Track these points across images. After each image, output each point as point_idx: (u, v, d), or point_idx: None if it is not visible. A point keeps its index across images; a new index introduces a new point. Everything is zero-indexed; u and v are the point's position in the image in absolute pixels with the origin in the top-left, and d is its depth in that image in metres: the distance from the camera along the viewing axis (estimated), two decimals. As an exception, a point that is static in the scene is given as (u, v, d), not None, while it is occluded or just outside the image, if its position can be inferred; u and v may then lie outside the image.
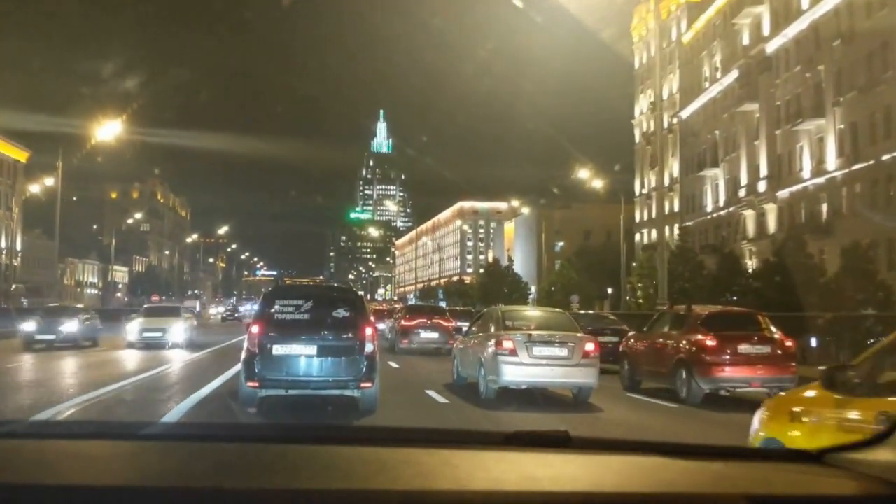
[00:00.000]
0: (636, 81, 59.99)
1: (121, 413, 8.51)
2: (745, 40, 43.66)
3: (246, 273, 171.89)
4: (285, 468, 1.42)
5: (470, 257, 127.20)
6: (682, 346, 10.97)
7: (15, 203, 63.57)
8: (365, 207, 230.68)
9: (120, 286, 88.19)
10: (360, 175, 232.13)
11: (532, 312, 12.65)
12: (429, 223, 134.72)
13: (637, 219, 58.11)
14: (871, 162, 32.09)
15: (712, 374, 10.45)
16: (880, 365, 2.99)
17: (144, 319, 20.58)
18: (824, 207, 35.70)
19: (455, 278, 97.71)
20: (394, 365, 15.26)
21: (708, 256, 37.98)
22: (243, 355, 8.19)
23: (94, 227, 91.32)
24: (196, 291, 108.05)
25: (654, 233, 56.54)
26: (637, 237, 57.46)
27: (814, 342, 17.07)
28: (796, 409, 3.30)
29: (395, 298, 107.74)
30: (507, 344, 9.72)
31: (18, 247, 65.72)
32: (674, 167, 53.16)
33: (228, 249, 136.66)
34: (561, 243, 67.38)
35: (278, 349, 7.98)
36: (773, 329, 11.24)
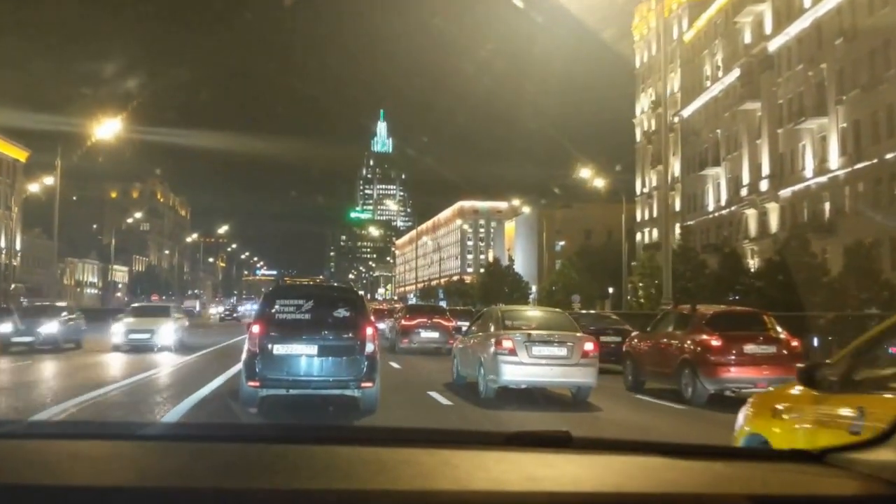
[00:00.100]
0: (637, 80, 59.83)
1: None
2: (747, 39, 43.49)
3: (246, 273, 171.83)
4: (286, 468, 1.42)
5: (470, 257, 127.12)
6: (686, 346, 10.88)
7: (14, 202, 63.44)
8: (365, 207, 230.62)
9: (120, 286, 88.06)
10: (360, 174, 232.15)
11: (531, 312, 12.63)
12: (429, 223, 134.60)
13: (638, 218, 57.97)
14: (874, 161, 31.93)
15: (717, 374, 10.33)
16: (857, 363, 3.05)
17: (131, 320, 19.13)
18: (827, 206, 35.54)
19: (455, 278, 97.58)
20: (395, 365, 15.15)
21: (709, 256, 37.84)
22: (244, 355, 8.17)
23: (94, 226, 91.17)
24: (196, 291, 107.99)
25: (655, 232, 56.42)
26: (638, 237, 57.32)
27: (816, 342, 16.95)
28: (778, 405, 3.38)
29: (396, 298, 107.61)
30: (507, 343, 9.75)
31: (18, 246, 65.59)
32: (675, 166, 52.98)
33: (228, 249, 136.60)
34: (562, 243, 67.24)
35: (279, 349, 7.97)
36: (779, 329, 11.13)
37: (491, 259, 74.31)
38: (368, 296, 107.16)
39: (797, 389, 3.27)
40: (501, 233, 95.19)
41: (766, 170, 41.24)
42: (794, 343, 11.00)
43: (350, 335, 8.13)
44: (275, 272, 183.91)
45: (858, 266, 24.01)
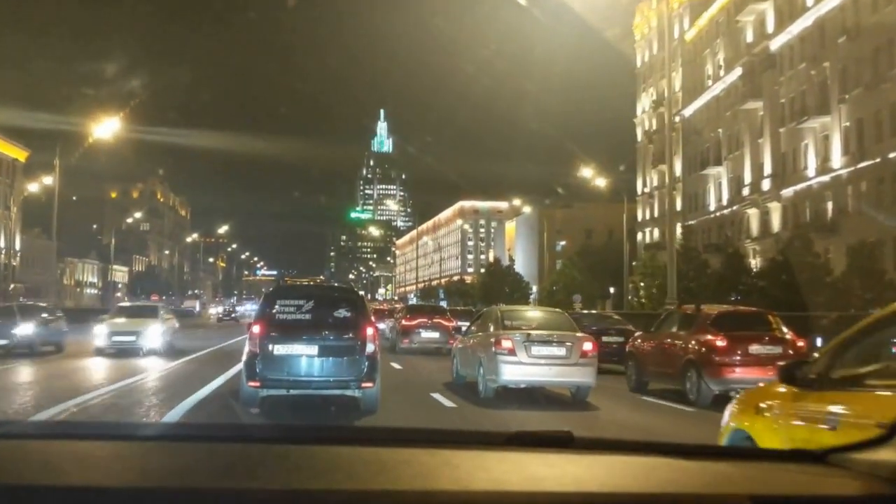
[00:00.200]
0: (638, 79, 59.67)
1: None
2: (749, 37, 43.31)
3: (246, 273, 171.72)
4: (286, 468, 1.41)
5: (471, 257, 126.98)
6: (691, 346, 10.78)
7: (13, 202, 63.31)
8: (365, 207, 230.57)
9: (120, 286, 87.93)
10: (360, 174, 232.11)
11: (531, 312, 12.62)
12: (429, 223, 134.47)
13: (639, 218, 57.80)
14: (878, 160, 31.77)
15: (722, 375, 10.20)
16: (834, 361, 3.16)
17: (114, 321, 17.66)
18: (829, 206, 35.36)
19: (456, 278, 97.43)
20: (396, 366, 15.00)
21: (711, 256, 37.69)
22: (245, 355, 8.18)
23: (94, 226, 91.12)
24: (196, 291, 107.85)
25: (656, 232, 56.27)
26: (639, 236, 57.15)
27: (819, 342, 16.81)
28: (761, 403, 3.50)
29: (396, 298, 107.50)
30: (506, 343, 9.78)
31: (17, 246, 65.47)
32: (676, 166, 52.75)
33: (229, 249, 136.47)
34: (562, 242, 67.08)
35: (279, 349, 7.99)
36: (785, 329, 10.99)
37: (491, 259, 74.17)
38: (369, 296, 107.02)
39: (778, 387, 3.38)
40: (502, 233, 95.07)
41: (767, 169, 41.06)
42: (800, 343, 10.86)
43: (350, 335, 8.13)
44: (275, 272, 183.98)
45: (862, 266, 23.84)
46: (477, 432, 2.09)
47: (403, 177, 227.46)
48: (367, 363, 8.03)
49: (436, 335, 19.64)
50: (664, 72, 54.80)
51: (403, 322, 20.36)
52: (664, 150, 54.85)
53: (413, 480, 1.37)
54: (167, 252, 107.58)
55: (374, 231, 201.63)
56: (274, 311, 8.27)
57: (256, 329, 8.11)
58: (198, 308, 72.27)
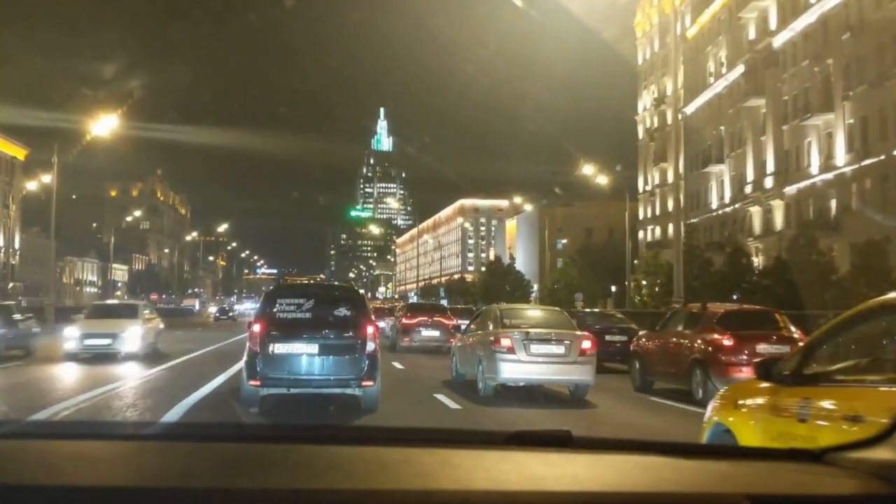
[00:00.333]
0: (639, 77, 59.43)
1: None
2: (752, 34, 43.06)
3: (246, 271, 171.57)
4: (286, 468, 1.41)
5: (471, 255, 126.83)
6: (697, 345, 10.70)
7: (13, 200, 63.16)
8: (365, 205, 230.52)
9: (119, 284, 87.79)
10: (360, 173, 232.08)
11: (530, 311, 12.66)
12: (430, 221, 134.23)
13: (641, 216, 57.58)
14: (882, 157, 31.55)
15: (729, 374, 10.01)
16: (807, 358, 3.34)
17: (88, 322, 15.80)
18: (833, 204, 35.12)
19: (456, 276, 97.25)
20: (398, 365, 14.81)
21: (714, 254, 37.49)
22: (245, 354, 8.22)
23: (94, 225, 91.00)
24: (197, 290, 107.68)
25: (658, 230, 56.05)
26: (640, 234, 56.93)
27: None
28: (739, 398, 3.71)
29: (397, 297, 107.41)
30: (505, 342, 9.86)
31: (17, 245, 65.31)
32: (678, 163, 52.54)
33: (229, 247, 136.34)
34: (563, 241, 66.86)
35: (280, 348, 8.01)
36: (792, 328, 10.81)
37: (492, 257, 73.99)
38: (369, 294, 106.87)
39: (758, 384, 3.55)
40: (502, 231, 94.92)
41: (770, 167, 40.83)
42: (802, 343, 10.64)
43: (351, 334, 8.15)
44: (275, 271, 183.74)
45: (868, 264, 23.63)
46: (476, 432, 2.06)
47: (404, 175, 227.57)
48: (367, 362, 8.04)
49: (436, 333, 19.60)
50: (666, 69, 54.68)
51: (404, 320, 20.32)
52: (665, 148, 54.73)
53: (413, 480, 1.37)
54: (167, 251, 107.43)
55: (375, 229, 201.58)
56: (274, 309, 8.28)
57: (257, 328, 8.12)
58: (197, 307, 72.07)
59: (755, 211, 42.71)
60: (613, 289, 49.13)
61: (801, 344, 10.29)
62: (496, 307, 12.26)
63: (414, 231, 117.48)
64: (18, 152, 62.81)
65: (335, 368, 8.04)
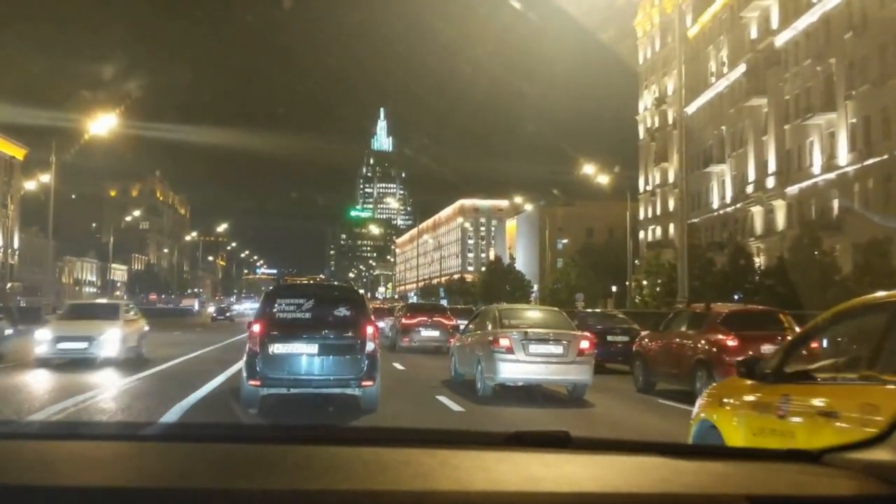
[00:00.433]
0: (640, 77, 59.24)
1: None
2: (753, 34, 42.88)
3: (246, 271, 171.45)
4: (286, 469, 1.42)
5: (471, 255, 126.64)
6: (700, 346, 10.59)
7: (11, 200, 62.99)
8: (365, 205, 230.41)
9: (119, 284, 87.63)
10: (360, 173, 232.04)
11: (528, 311, 12.67)
12: (429, 221, 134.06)
13: (641, 216, 57.40)
14: (885, 157, 31.36)
15: (734, 375, 9.82)
16: (787, 357, 3.53)
17: (62, 324, 14.38)
18: (835, 204, 34.93)
19: (456, 276, 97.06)
20: (398, 366, 14.64)
21: (715, 254, 37.31)
22: (245, 354, 8.24)
23: (93, 224, 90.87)
24: (196, 290, 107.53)
25: (658, 230, 55.87)
26: (641, 234, 56.75)
27: (826, 342, 16.44)
28: (723, 395, 3.88)
29: (396, 297, 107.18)
30: (504, 342, 9.91)
31: (16, 245, 65.15)
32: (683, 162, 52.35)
33: (228, 247, 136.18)
34: (564, 241, 66.69)
35: (280, 348, 8.04)
36: (797, 329, 10.62)
37: (492, 258, 73.82)
38: (369, 294, 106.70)
39: (741, 382, 3.70)
40: (502, 231, 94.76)
41: (772, 166, 40.64)
42: (815, 344, 10.46)
43: (351, 334, 8.18)
44: (275, 271, 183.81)
45: (871, 264, 23.44)
46: (475, 432, 2.08)
47: (403, 175, 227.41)
48: (367, 362, 8.06)
49: (436, 333, 19.54)
50: (667, 69, 54.54)
51: (403, 320, 20.28)
52: (666, 148, 54.57)
53: (412, 481, 1.37)
54: (166, 251, 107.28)
55: (374, 229, 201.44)
56: (274, 310, 8.30)
57: (257, 328, 8.13)
58: (196, 307, 71.85)
59: (756, 211, 42.52)
60: (614, 289, 48.96)
61: (814, 345, 10.31)
62: (495, 307, 12.28)
63: (414, 231, 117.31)
64: (17, 152, 62.67)
65: (335, 368, 8.06)
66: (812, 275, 22.25)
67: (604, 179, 38.57)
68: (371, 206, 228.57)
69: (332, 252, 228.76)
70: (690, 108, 50.44)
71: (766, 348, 10.20)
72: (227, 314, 48.67)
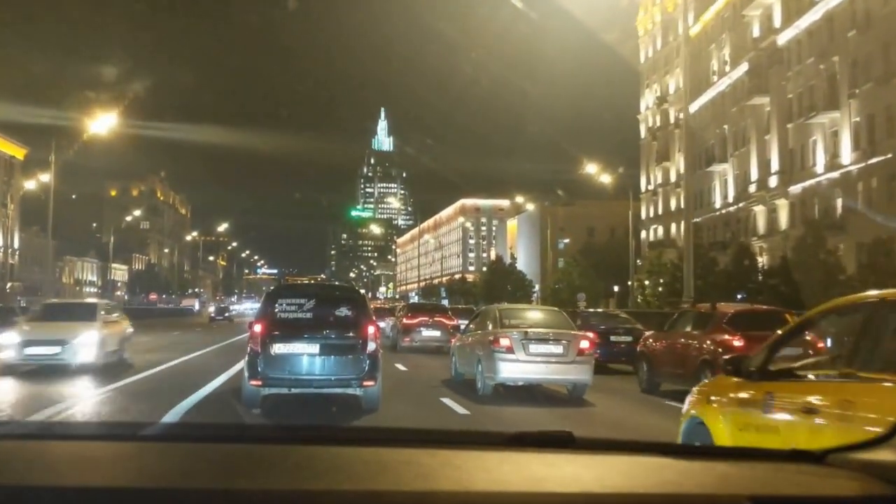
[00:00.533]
0: (642, 76, 59.06)
1: None
2: (756, 32, 42.71)
3: (246, 271, 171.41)
4: (287, 469, 1.42)
5: (472, 255, 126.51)
6: (706, 346, 10.50)
7: (11, 200, 62.92)
8: (366, 205, 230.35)
9: (119, 284, 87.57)
10: (361, 173, 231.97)
11: (528, 311, 12.69)
12: (430, 221, 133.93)
13: (643, 215, 57.24)
14: (889, 155, 31.20)
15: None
16: (771, 355, 3.63)
17: (32, 326, 12.86)
18: (839, 203, 34.74)
19: (457, 276, 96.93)
20: (400, 367, 14.45)
21: (718, 253, 37.14)
22: (246, 354, 8.27)
23: (94, 224, 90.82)
24: (197, 290, 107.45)
25: (660, 230, 55.70)
26: (643, 234, 56.58)
27: (829, 342, 16.31)
28: (711, 392, 4.04)
29: (398, 297, 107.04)
30: (504, 341, 9.95)
31: (16, 245, 65.08)
32: (680, 163, 52.20)
33: (229, 247, 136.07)
34: (565, 240, 66.51)
35: (281, 348, 8.06)
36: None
37: (493, 257, 73.68)
38: (370, 294, 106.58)
39: (728, 380, 3.84)
40: (504, 231, 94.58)
41: (775, 166, 40.47)
42: (821, 344, 10.32)
43: (352, 334, 8.20)
44: (275, 271, 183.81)
45: (876, 263, 23.27)
46: (477, 433, 2.05)
47: (404, 175, 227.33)
48: (368, 362, 8.08)
49: (437, 333, 19.48)
50: (668, 68, 54.38)
51: (404, 320, 20.24)
52: (668, 147, 54.40)
53: (414, 481, 1.36)
54: (167, 250, 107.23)
55: (375, 229, 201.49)
56: (275, 310, 8.32)
57: (258, 328, 8.16)
58: (197, 307, 71.76)
59: (759, 210, 42.35)
60: (616, 289, 48.79)
61: (820, 345, 10.20)
62: (495, 307, 12.28)
63: (415, 231, 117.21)
64: (17, 151, 62.63)
65: (336, 368, 8.07)
66: (816, 274, 22.10)
67: (605, 179, 38.42)
68: (372, 205, 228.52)
69: (332, 252, 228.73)
70: (692, 108, 50.23)
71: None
72: (226, 314, 47.41)
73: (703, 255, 34.44)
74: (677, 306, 18.30)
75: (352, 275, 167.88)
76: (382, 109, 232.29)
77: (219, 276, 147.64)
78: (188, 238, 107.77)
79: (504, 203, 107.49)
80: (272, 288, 10.21)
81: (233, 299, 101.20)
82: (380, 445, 1.63)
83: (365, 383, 8.04)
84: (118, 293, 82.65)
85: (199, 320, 49.90)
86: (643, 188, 58.15)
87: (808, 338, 10.32)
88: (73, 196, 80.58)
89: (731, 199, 45.93)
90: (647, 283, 39.19)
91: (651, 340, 12.18)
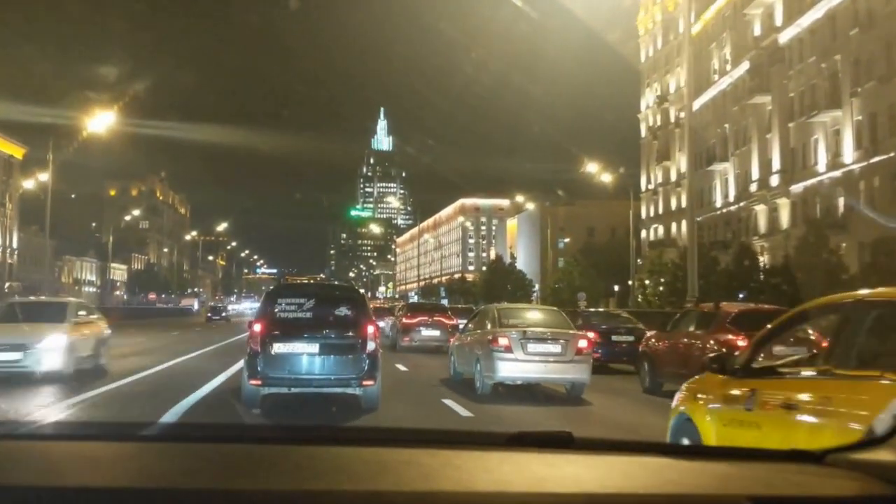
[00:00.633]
0: (642, 75, 58.92)
1: None
2: (757, 31, 42.56)
3: (246, 271, 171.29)
4: (287, 469, 1.42)
5: (472, 255, 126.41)
6: (710, 346, 10.29)
7: (10, 199, 62.75)
8: (366, 205, 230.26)
9: (119, 284, 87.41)
10: (360, 172, 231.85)
11: (527, 310, 12.74)
12: (430, 220, 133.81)
13: (643, 215, 57.09)
14: (891, 154, 31.05)
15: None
16: (755, 353, 3.80)
17: None
18: (841, 202, 34.59)
19: (457, 276, 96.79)
20: (400, 367, 14.29)
21: (719, 253, 36.99)
22: (246, 354, 8.28)
23: (93, 224, 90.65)
24: (196, 290, 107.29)
25: (661, 229, 55.56)
26: (643, 234, 56.45)
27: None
28: (698, 389, 4.15)
29: (397, 296, 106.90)
30: (503, 341, 9.98)
31: (15, 244, 64.92)
32: (681, 162, 52.07)
33: (228, 247, 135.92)
34: (565, 240, 66.38)
35: (281, 347, 8.08)
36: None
37: (493, 257, 73.53)
38: (369, 294, 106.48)
39: (714, 377, 3.96)
40: (503, 230, 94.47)
41: (776, 165, 40.32)
42: (825, 343, 10.18)
43: (351, 333, 8.22)
44: (275, 270, 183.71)
45: (878, 263, 23.12)
46: (478, 433, 2.07)
47: (404, 174, 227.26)
48: (368, 361, 8.09)
49: (436, 333, 19.42)
50: (669, 67, 54.23)
51: (404, 320, 20.23)
52: (669, 147, 54.26)
53: (415, 481, 1.37)
54: (166, 250, 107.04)
55: (375, 229, 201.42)
56: (275, 309, 8.34)
57: (258, 328, 8.17)
58: (196, 306, 71.65)
59: (760, 210, 42.20)
60: (616, 288, 48.66)
61: (824, 344, 10.08)
62: (494, 307, 12.25)
63: (414, 230, 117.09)
64: (16, 151, 62.47)
65: (336, 368, 8.08)
66: (818, 274, 21.96)
67: (606, 178, 38.27)
68: (371, 205, 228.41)
69: (332, 252, 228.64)
70: (693, 106, 50.08)
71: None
72: (223, 314, 46.14)
73: (705, 254, 34.27)
74: (681, 306, 18.16)
75: (351, 274, 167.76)
76: (382, 109, 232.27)
77: (218, 275, 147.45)
78: (187, 238, 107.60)
79: (504, 203, 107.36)
80: (272, 287, 10.21)
81: (232, 299, 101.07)
82: (380, 445, 1.63)
83: (364, 383, 8.04)
84: (117, 293, 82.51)
85: (198, 320, 49.80)
86: (643, 187, 58.01)
87: (812, 336, 10.28)
88: (73, 195, 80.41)
89: (732, 199, 45.79)
90: (647, 282, 39.05)
91: (653, 340, 12.06)
